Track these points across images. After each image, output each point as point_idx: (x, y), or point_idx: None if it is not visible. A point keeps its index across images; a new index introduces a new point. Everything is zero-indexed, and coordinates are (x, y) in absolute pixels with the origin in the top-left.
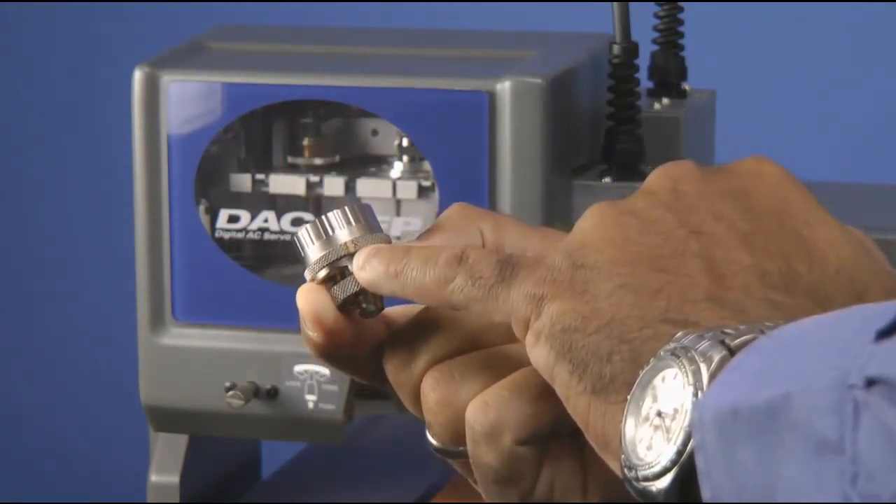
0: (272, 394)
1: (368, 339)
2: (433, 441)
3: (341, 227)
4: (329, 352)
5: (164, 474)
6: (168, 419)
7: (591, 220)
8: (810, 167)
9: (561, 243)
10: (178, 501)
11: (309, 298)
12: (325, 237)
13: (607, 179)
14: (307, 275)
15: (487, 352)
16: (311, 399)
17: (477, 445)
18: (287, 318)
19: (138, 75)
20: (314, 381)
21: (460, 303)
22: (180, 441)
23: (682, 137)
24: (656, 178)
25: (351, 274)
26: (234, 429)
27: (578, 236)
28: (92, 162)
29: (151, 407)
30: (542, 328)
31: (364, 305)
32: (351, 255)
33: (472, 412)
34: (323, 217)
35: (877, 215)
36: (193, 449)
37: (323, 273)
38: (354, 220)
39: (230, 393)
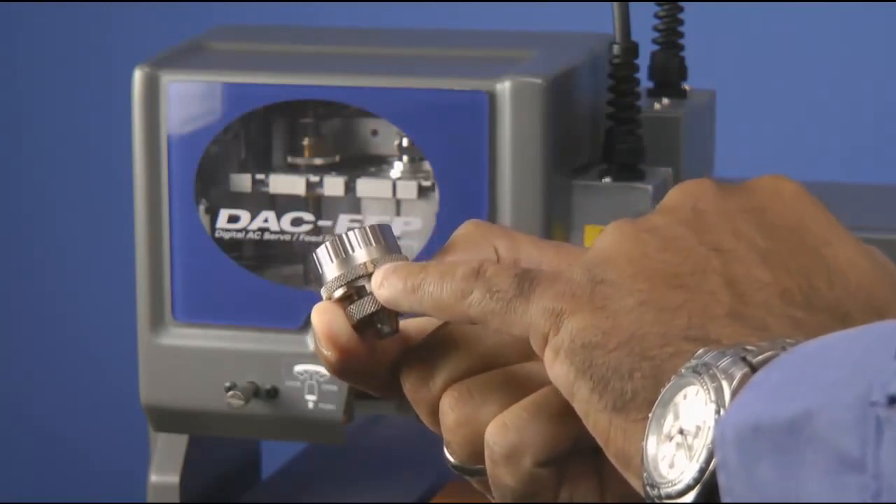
0: (272, 394)
1: (383, 356)
2: (451, 458)
3: (360, 247)
4: (343, 369)
5: (164, 474)
6: (168, 419)
7: (611, 237)
8: (810, 167)
9: (580, 259)
10: (178, 501)
11: (324, 317)
12: (344, 256)
13: (607, 179)
14: (323, 293)
15: (506, 371)
16: (311, 399)
17: (496, 466)
18: (287, 318)
19: (138, 75)
20: (314, 381)
21: (478, 316)
22: (180, 441)
23: (682, 137)
24: (675, 195)
25: (368, 294)
26: (234, 429)
27: (598, 252)
28: (92, 162)
29: (151, 407)
30: (561, 344)
31: (379, 326)
32: (368, 276)
33: (491, 434)
34: (342, 235)
35: (877, 215)
36: (193, 449)
37: (340, 292)
38: (374, 241)
39: (230, 393)
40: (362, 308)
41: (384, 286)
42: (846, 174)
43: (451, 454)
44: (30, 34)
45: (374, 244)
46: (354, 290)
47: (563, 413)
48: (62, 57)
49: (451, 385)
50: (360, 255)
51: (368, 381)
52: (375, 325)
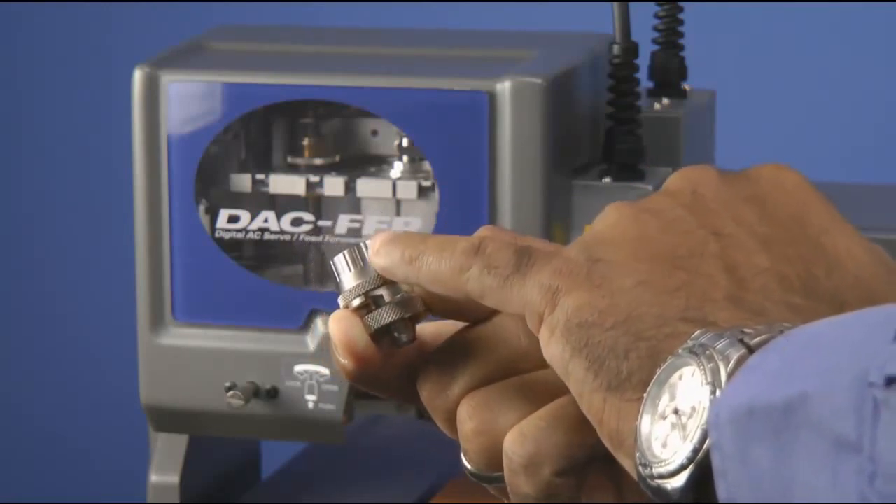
0: (272, 394)
1: (400, 363)
2: (468, 466)
3: None
4: (360, 377)
5: (164, 474)
6: (168, 419)
7: (610, 218)
8: (810, 167)
9: (578, 238)
10: (178, 501)
11: (341, 326)
12: (362, 265)
13: (607, 179)
14: (341, 301)
15: (523, 378)
16: (311, 399)
17: (515, 475)
18: (287, 318)
19: (138, 75)
20: (314, 381)
21: (475, 292)
22: (180, 441)
23: (682, 137)
24: (676, 180)
25: (385, 304)
26: (234, 429)
27: (596, 232)
28: (92, 162)
29: (151, 407)
30: (556, 322)
31: (396, 335)
32: (386, 285)
33: (509, 443)
34: (360, 245)
35: (877, 215)
36: (193, 449)
37: (357, 301)
38: None
39: (230, 393)
40: (379, 318)
41: (381, 254)
42: (846, 174)
43: (468, 462)
44: (30, 34)
45: None
46: (372, 300)
47: (582, 421)
48: (62, 57)
49: (469, 393)
50: None
51: (385, 387)
52: (392, 333)
